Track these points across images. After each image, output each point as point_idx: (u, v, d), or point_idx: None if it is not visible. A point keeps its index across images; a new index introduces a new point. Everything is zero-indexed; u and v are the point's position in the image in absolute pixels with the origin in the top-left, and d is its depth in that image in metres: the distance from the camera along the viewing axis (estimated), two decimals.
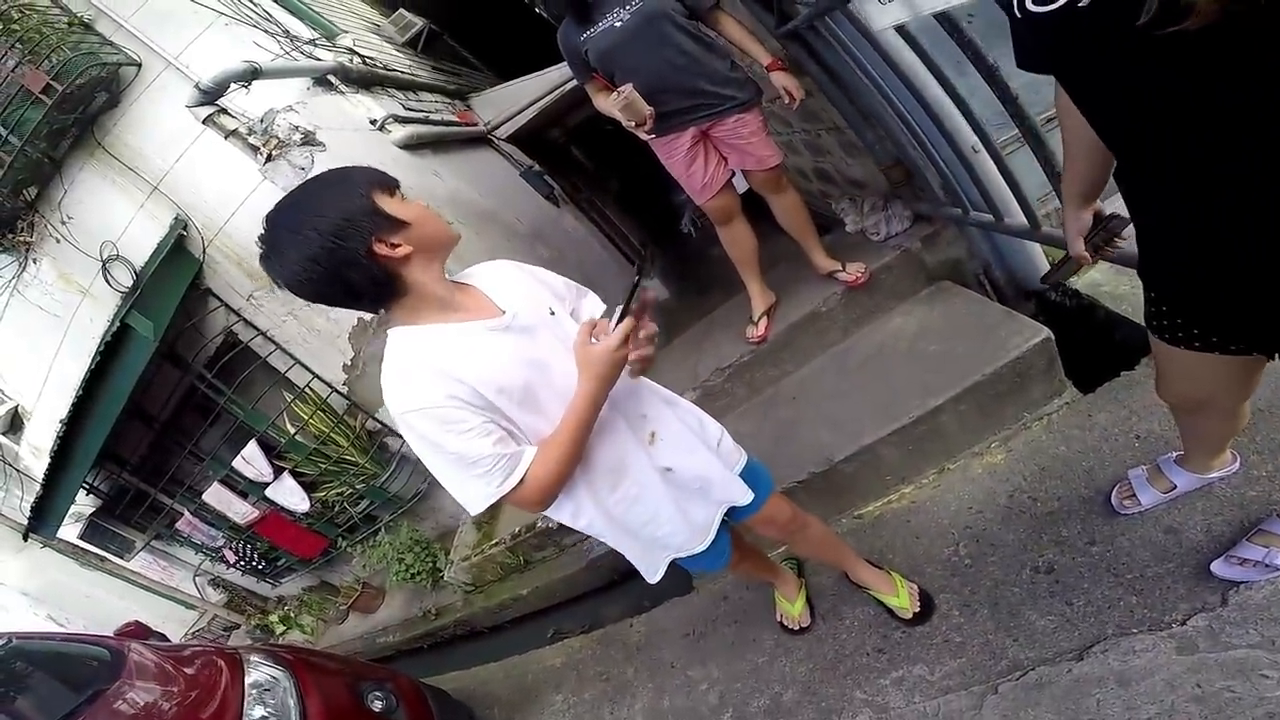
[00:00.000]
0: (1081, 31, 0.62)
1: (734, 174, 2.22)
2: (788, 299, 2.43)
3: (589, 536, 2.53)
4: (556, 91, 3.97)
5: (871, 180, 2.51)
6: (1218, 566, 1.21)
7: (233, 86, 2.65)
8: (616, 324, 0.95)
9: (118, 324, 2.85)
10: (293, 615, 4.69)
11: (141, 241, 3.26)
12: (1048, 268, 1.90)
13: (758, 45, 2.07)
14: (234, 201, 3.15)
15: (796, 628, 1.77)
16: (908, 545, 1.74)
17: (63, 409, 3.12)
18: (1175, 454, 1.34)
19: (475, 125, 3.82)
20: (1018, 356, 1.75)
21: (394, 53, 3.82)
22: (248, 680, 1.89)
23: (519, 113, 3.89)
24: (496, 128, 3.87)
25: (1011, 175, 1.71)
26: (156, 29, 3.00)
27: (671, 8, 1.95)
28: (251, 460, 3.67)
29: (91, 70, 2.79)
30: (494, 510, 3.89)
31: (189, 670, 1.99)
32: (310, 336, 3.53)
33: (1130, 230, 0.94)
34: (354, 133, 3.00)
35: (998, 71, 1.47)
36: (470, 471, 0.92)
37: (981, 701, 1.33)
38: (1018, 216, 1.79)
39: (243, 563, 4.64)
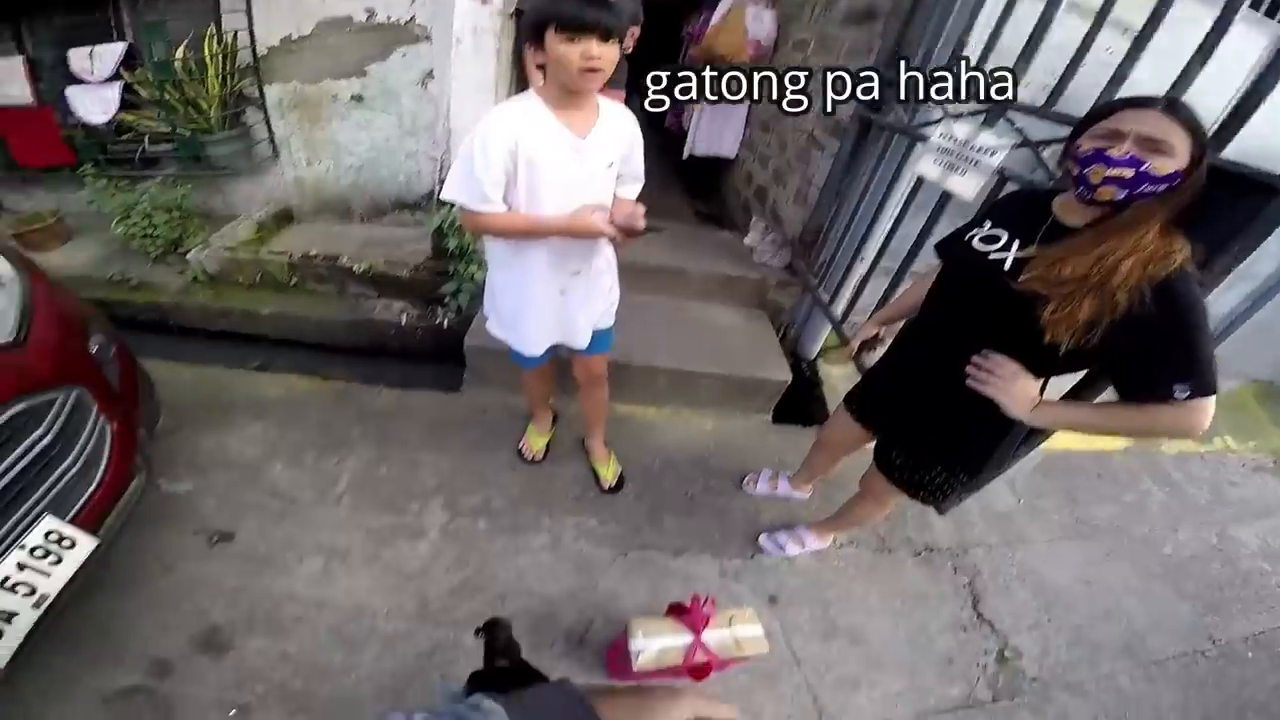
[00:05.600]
0: (978, 258, 1.10)
1: None
2: (684, 254, 2.93)
3: (380, 297, 2.82)
4: None
5: (788, 226, 2.99)
6: (762, 539, 1.96)
7: None
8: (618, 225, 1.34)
9: None
10: None
11: None
12: (819, 349, 2.73)
13: None
14: None
15: (530, 458, 2.13)
16: (629, 443, 2.26)
17: None
18: (789, 474, 2.11)
19: None
20: (764, 379, 2.47)
21: None
22: None
23: None
24: None
25: (863, 287, 2.36)
26: None
27: None
28: (100, 56, 2.88)
29: None
30: (282, 218, 3.69)
31: None
32: None
33: (879, 354, 1.57)
34: None
35: (927, 235, 1.96)
36: (467, 179, 1.28)
37: (615, 558, 1.87)
38: (839, 308, 2.48)
39: None
